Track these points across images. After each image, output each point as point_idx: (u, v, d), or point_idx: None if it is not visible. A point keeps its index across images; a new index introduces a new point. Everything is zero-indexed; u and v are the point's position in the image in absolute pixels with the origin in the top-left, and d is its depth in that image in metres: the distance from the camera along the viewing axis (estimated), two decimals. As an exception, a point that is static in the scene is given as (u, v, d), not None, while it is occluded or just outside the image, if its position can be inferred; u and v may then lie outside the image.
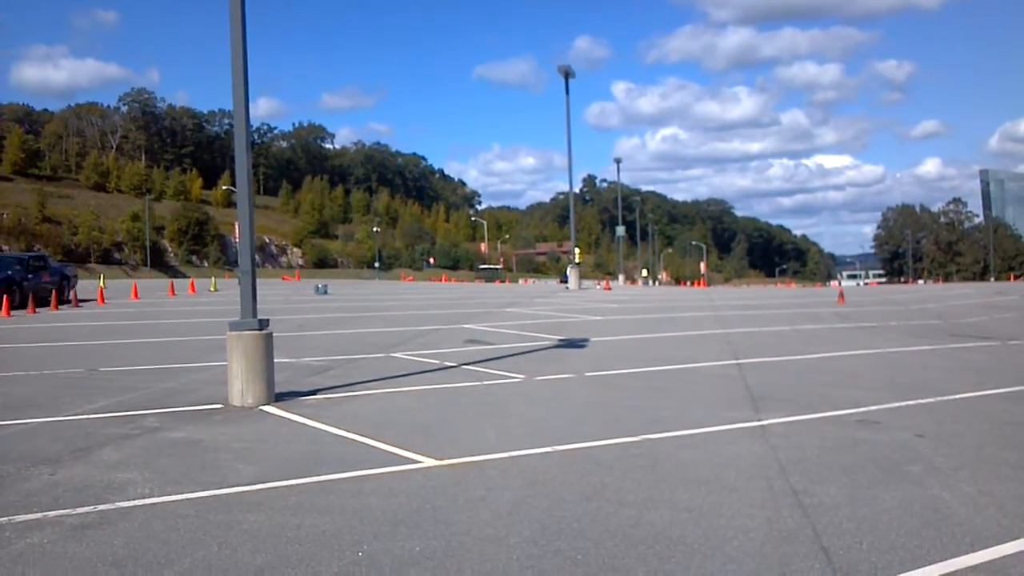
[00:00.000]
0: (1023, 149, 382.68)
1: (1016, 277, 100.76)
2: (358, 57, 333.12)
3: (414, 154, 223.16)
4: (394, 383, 11.45)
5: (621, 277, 75.81)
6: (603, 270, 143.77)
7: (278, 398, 9.97)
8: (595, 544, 5.04)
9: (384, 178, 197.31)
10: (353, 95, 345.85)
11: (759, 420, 8.85)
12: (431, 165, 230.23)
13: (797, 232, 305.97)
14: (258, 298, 10.31)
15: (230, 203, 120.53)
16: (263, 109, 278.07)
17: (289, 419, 8.97)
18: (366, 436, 8.02)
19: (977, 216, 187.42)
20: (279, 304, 28.62)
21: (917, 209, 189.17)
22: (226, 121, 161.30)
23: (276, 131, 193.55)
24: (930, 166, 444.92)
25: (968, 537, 5.12)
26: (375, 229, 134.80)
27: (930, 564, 4.69)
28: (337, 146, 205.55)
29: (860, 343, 16.85)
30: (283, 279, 73.77)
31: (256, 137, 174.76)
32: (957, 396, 10.32)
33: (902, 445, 7.66)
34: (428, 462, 7.06)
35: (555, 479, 6.51)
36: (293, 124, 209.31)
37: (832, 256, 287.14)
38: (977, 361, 14.29)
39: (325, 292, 37.35)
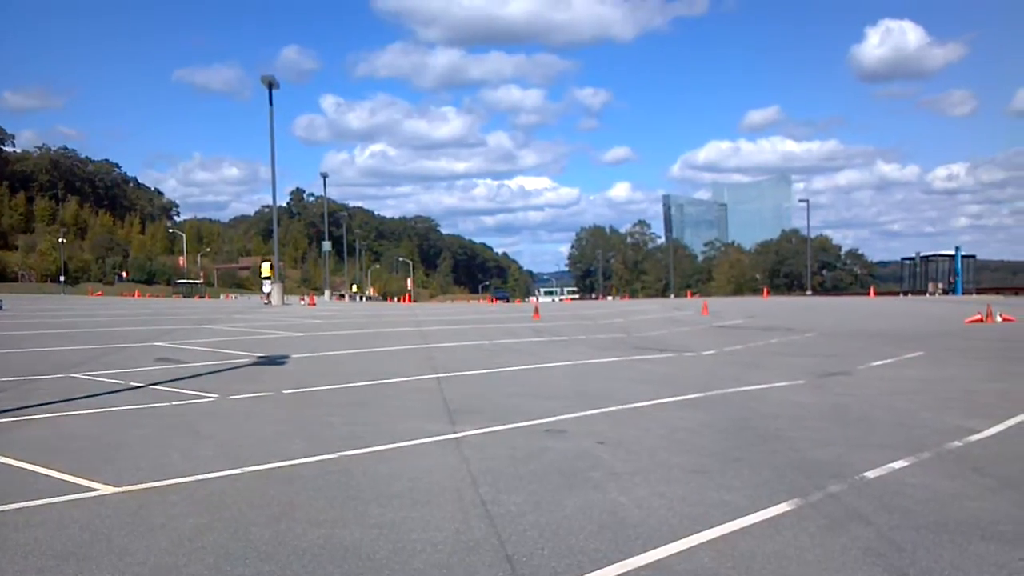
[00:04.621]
0: (701, 176, 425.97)
1: (692, 294, 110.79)
2: (44, 53, 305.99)
3: (106, 161, 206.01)
4: (72, 406, 10.55)
5: (327, 292, 74.96)
6: (310, 285, 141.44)
7: (-73, 426, 8.86)
8: (281, 567, 4.86)
9: (72, 186, 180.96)
10: (39, 95, 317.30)
11: (455, 432, 9.00)
12: (125, 173, 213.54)
13: (499, 250, 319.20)
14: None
15: None
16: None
17: (-61, 449, 7.98)
18: (36, 464, 7.30)
19: (659, 237, 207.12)
20: (-63, 320, 25.55)
21: (607, 230, 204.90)
22: None
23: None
24: (620, 190, 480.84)
25: (641, 538, 5.44)
26: (61, 240, 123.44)
27: (607, 566, 4.92)
28: (19, 149, 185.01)
29: (552, 356, 17.70)
30: (-53, 293, 65.96)
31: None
32: (636, 404, 11.05)
33: (585, 452, 8.08)
34: (105, 490, 6.53)
35: (244, 502, 6.23)
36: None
37: (531, 273, 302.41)
38: (655, 372, 15.40)
39: (0, 308, 34.27)
